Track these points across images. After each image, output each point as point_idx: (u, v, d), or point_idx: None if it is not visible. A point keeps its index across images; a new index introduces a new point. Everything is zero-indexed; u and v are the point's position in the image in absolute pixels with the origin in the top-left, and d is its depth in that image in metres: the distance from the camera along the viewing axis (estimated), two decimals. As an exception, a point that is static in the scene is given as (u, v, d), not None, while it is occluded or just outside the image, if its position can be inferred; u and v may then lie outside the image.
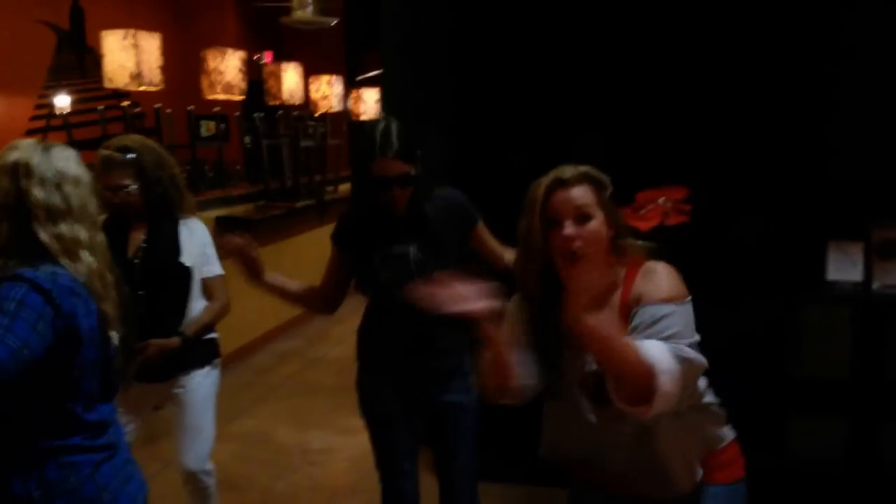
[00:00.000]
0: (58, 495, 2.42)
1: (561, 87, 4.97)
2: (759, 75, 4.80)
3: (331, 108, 11.06)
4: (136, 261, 3.82)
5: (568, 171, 2.57)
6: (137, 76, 6.76)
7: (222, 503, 4.40)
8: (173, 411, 4.08)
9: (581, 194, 2.54)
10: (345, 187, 11.53)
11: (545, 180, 2.56)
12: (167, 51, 7.22)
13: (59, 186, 2.43)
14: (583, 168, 2.60)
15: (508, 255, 3.27)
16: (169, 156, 4.01)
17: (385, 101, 6.64)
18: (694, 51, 4.88)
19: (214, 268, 4.09)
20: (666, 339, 2.34)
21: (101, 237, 2.54)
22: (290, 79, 9.98)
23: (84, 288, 2.40)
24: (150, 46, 6.85)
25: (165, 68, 7.13)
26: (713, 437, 2.69)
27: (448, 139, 5.30)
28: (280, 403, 7.17)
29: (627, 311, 2.50)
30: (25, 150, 2.44)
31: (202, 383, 4.08)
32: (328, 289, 3.65)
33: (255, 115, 9.47)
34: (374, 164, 3.31)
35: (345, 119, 12.82)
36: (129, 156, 3.78)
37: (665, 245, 2.70)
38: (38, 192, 2.38)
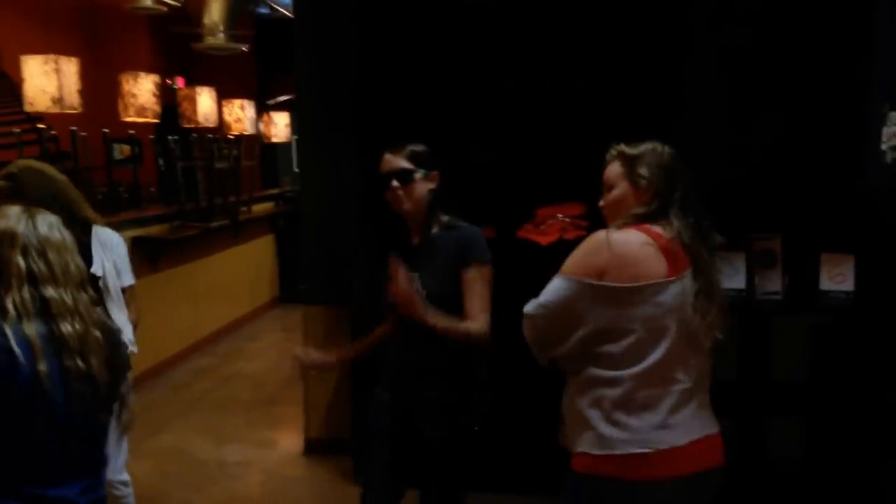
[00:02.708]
0: None
1: (463, 110, 5.18)
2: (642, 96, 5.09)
3: (244, 130, 11.13)
4: None
5: (612, 150, 3.01)
6: (59, 100, 6.84)
7: (141, 520, 4.44)
8: None
9: (610, 169, 2.98)
10: (258, 207, 11.65)
11: None
12: (83, 75, 7.29)
13: (42, 254, 2.46)
14: (620, 147, 2.98)
15: (473, 325, 3.30)
16: (56, 174, 4.03)
17: (297, 123, 6.81)
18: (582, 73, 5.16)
19: (128, 278, 4.20)
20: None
21: (85, 297, 2.52)
22: (205, 102, 10.06)
23: (27, 343, 2.34)
24: (69, 71, 6.92)
25: (81, 92, 7.20)
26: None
27: (357, 160, 5.49)
28: (196, 419, 7.21)
29: None
30: (11, 218, 2.47)
31: None
32: None
33: (170, 137, 9.56)
34: (381, 161, 3.45)
35: (257, 141, 12.90)
36: (6, 181, 3.84)
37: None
38: (20, 261, 2.42)
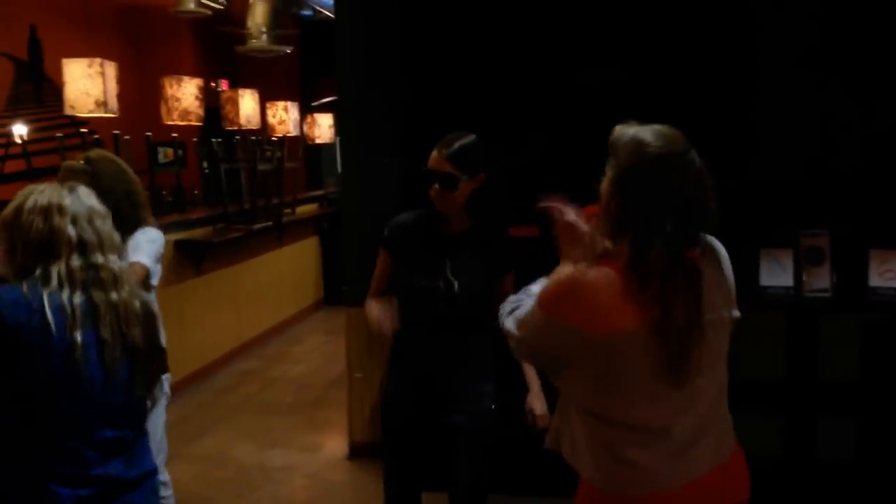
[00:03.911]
0: None
1: (506, 108, 5.13)
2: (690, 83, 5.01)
3: (287, 132, 11.15)
4: None
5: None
6: (103, 104, 6.84)
7: (184, 527, 4.39)
8: None
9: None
10: (302, 209, 11.66)
11: None
12: (125, 78, 7.31)
13: (91, 222, 2.56)
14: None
15: None
16: (132, 173, 4.06)
17: (340, 125, 6.79)
18: (629, 58, 5.10)
19: (137, 257, 3.88)
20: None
21: (125, 266, 2.65)
22: (248, 105, 10.07)
23: (61, 311, 2.40)
24: (111, 75, 6.93)
25: (123, 95, 7.22)
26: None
27: (399, 161, 5.46)
28: (240, 423, 7.20)
29: None
30: (54, 192, 2.55)
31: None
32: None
33: (213, 140, 9.59)
34: (430, 156, 3.42)
35: (301, 143, 12.92)
36: (84, 165, 3.89)
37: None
38: (71, 230, 2.50)
